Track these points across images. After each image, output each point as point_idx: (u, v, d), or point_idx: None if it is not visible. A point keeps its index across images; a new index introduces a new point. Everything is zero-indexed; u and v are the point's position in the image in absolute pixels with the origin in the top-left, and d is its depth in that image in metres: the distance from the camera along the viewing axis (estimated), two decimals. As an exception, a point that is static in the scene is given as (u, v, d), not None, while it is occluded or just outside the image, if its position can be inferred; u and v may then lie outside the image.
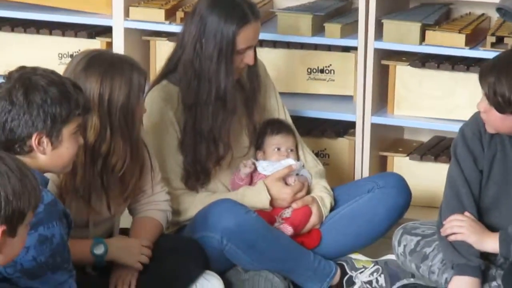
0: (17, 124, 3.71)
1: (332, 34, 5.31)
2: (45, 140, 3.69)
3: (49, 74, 3.86)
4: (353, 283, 4.70)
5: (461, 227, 4.39)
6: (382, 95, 5.39)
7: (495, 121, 4.30)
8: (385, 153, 5.49)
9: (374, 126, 5.34)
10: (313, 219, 4.72)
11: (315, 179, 4.89)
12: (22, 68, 3.87)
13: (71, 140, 3.80)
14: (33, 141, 3.67)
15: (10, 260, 3.27)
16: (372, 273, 4.71)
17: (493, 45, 5.09)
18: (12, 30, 5.75)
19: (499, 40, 5.09)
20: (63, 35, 5.58)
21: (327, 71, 5.44)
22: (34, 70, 3.88)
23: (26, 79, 3.77)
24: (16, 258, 3.49)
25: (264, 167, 4.77)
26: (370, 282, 4.70)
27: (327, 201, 4.80)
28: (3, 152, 3.10)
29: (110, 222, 4.53)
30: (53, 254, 3.63)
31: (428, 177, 5.28)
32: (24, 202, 3.07)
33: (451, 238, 4.41)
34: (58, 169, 3.95)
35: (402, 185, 4.88)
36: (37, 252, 3.57)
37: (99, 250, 4.31)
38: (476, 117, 4.47)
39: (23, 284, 3.67)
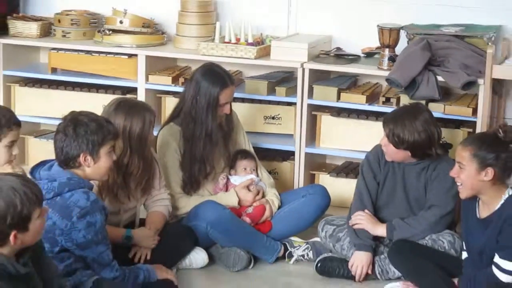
0: (69, 149, 3.83)
1: (280, 93, 5.27)
2: (88, 158, 3.81)
3: (90, 114, 4.00)
4: (292, 256, 4.70)
5: (362, 219, 4.51)
6: (312, 134, 5.29)
7: (391, 153, 4.42)
8: (313, 172, 5.42)
9: (306, 154, 5.29)
10: (267, 214, 4.78)
11: (268, 188, 4.94)
12: (72, 112, 3.99)
13: (106, 157, 3.92)
14: (81, 158, 3.80)
15: (36, 239, 3.27)
16: (304, 250, 4.70)
17: (383, 102, 5.07)
18: (73, 89, 5.60)
19: (387, 100, 5.08)
20: (106, 92, 5.48)
21: (276, 118, 5.39)
22: (80, 112, 4.01)
23: (74, 119, 3.90)
24: (72, 236, 3.78)
25: (235, 179, 4.86)
26: (303, 256, 4.69)
27: (276, 202, 4.87)
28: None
29: (133, 211, 4.58)
30: (96, 233, 3.78)
31: (341, 188, 5.19)
32: (25, 208, 3.06)
33: (355, 227, 4.51)
34: (98, 178, 4.06)
35: (324, 192, 4.92)
36: (86, 232, 3.74)
37: (128, 238, 4.39)
38: (376, 148, 4.58)
39: (77, 253, 3.81)
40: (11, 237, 3.04)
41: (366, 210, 4.52)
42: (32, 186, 3.21)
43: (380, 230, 4.47)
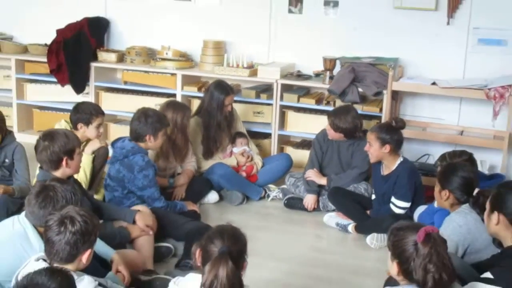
0: (140, 130, 3.93)
1: (263, 98, 5.32)
2: (151, 138, 3.94)
3: (153, 110, 4.13)
4: (269, 196, 4.77)
5: (311, 174, 4.57)
6: (282, 123, 5.32)
7: (332, 134, 4.48)
8: (282, 145, 5.41)
9: (279, 135, 5.34)
10: (254, 170, 4.85)
11: (255, 155, 4.97)
12: (143, 107, 4.11)
13: (161, 138, 4.03)
14: (146, 137, 3.94)
15: (76, 171, 3.43)
16: (277, 192, 4.79)
17: (326, 104, 5.16)
18: (137, 94, 5.71)
19: (328, 102, 5.15)
20: (157, 96, 5.53)
21: (261, 113, 5.44)
22: (147, 108, 4.10)
23: (145, 112, 4.01)
24: (135, 183, 3.87)
25: (235, 150, 4.90)
26: (276, 196, 4.76)
27: (260, 164, 4.91)
28: None
29: (173, 169, 4.59)
30: (150, 181, 3.90)
31: (300, 155, 5.18)
32: (71, 144, 3.29)
33: (307, 179, 4.57)
34: (154, 149, 4.17)
35: (289, 158, 4.98)
36: (143, 180, 3.87)
37: (171, 183, 4.47)
38: (322, 131, 4.60)
39: (138, 193, 3.92)
40: (63, 162, 3.24)
41: (314, 169, 4.59)
42: (74, 135, 3.41)
43: (323, 181, 4.54)
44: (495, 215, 2.66)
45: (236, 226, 2.36)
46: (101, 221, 3.30)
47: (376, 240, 4.06)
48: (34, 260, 2.44)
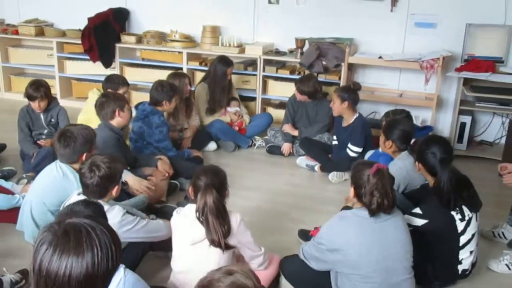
0: (158, 97, 3.90)
1: (250, 70, 5.22)
2: (167, 102, 3.91)
3: (168, 81, 4.08)
4: (255, 145, 4.77)
5: (287, 127, 4.57)
6: (264, 89, 5.24)
7: (299, 97, 4.42)
8: (265, 106, 5.34)
9: (262, 98, 5.26)
10: (243, 126, 4.82)
11: (244, 113, 4.92)
12: (159, 80, 4.05)
13: (174, 102, 3.95)
14: (163, 102, 3.87)
15: (127, 122, 3.51)
16: (261, 142, 4.78)
17: (297, 74, 5.01)
18: (152, 68, 5.53)
19: (299, 73, 5.01)
20: (168, 70, 5.10)
21: (248, 81, 5.35)
22: (162, 80, 4.07)
23: (161, 82, 3.96)
24: (153, 137, 3.82)
25: (229, 110, 4.83)
26: (260, 145, 4.76)
27: (247, 120, 4.88)
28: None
29: (181, 125, 4.50)
30: (164, 135, 3.88)
31: (278, 113, 5.09)
32: (122, 100, 3.42)
33: (284, 131, 4.57)
34: (168, 111, 4.10)
35: (270, 116, 4.97)
36: (159, 135, 3.85)
37: (180, 136, 4.44)
38: (293, 94, 4.51)
39: (155, 144, 3.87)
40: (117, 113, 3.31)
41: (289, 124, 4.58)
42: (123, 95, 3.51)
43: (295, 132, 4.53)
44: (417, 164, 2.73)
45: (217, 165, 2.41)
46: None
47: (336, 177, 4.10)
48: (76, 194, 2.47)
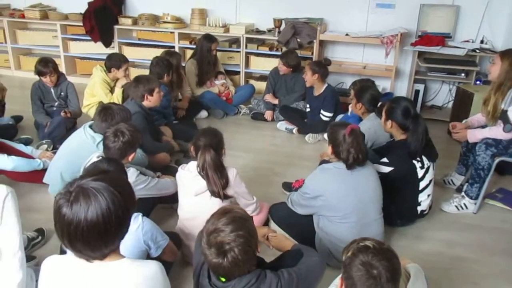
0: (157, 71, 3.87)
1: (233, 47, 5.11)
2: (166, 75, 3.87)
3: (165, 58, 4.00)
4: (240, 112, 4.70)
5: (268, 97, 4.50)
6: (247, 63, 5.13)
7: (284, 70, 4.34)
8: (247, 79, 5.22)
9: (245, 72, 5.14)
10: (230, 96, 4.75)
11: (229, 85, 4.84)
12: (156, 56, 3.98)
13: (170, 76, 3.90)
14: (164, 75, 3.83)
15: (156, 104, 3.35)
16: (245, 109, 4.71)
17: (276, 50, 5.00)
18: (147, 47, 5.34)
19: (277, 49, 4.98)
20: (161, 48, 5.06)
21: (232, 58, 5.20)
22: (159, 56, 3.95)
23: (159, 59, 3.88)
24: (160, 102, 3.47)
25: (217, 82, 4.75)
26: (245, 112, 4.69)
27: (233, 91, 4.81)
28: None
29: (177, 96, 4.39)
30: (169, 101, 3.91)
31: (260, 85, 5.02)
32: (153, 84, 3.26)
33: (266, 100, 4.51)
34: (166, 82, 3.97)
35: (253, 87, 4.90)
36: (166, 101, 3.81)
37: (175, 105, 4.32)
38: (275, 68, 4.47)
39: (161, 110, 3.77)
40: (146, 96, 3.22)
41: (270, 93, 4.52)
42: (154, 79, 3.35)
43: (276, 101, 4.48)
44: (389, 122, 2.69)
45: (214, 127, 2.37)
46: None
47: (312, 138, 4.12)
48: (95, 157, 2.45)
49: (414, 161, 2.58)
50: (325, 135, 4.03)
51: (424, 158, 2.60)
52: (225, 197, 2.23)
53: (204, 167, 2.16)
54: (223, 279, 1.45)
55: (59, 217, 1.17)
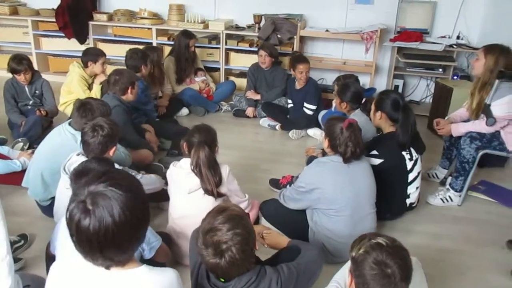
0: (134, 64, 3.82)
1: (213, 43, 5.06)
2: (143, 67, 3.82)
3: (140, 49, 3.93)
4: (222, 109, 4.66)
5: (250, 93, 4.48)
6: (227, 60, 5.08)
7: (268, 62, 4.32)
8: (227, 76, 5.17)
9: (225, 69, 5.10)
10: (211, 93, 4.69)
11: (210, 82, 4.77)
12: (131, 48, 3.91)
13: (149, 65, 3.86)
14: (141, 67, 3.78)
15: (134, 99, 3.28)
16: (227, 107, 4.66)
17: (255, 46, 4.91)
18: (123, 43, 5.18)
19: (257, 46, 4.83)
20: (137, 45, 4.77)
21: (212, 54, 5.14)
22: (134, 49, 3.90)
23: (134, 51, 3.82)
24: (140, 99, 3.54)
25: (197, 79, 4.70)
26: (227, 109, 4.65)
27: (214, 88, 4.75)
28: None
29: (157, 93, 4.33)
30: (149, 97, 3.83)
31: (241, 82, 4.98)
32: (133, 78, 3.21)
33: (248, 97, 4.49)
34: (145, 74, 3.90)
35: (233, 83, 4.84)
36: (145, 97, 3.76)
37: (155, 105, 4.20)
38: (254, 64, 4.47)
39: (141, 107, 3.73)
40: (129, 90, 3.14)
41: (251, 90, 4.51)
42: (134, 73, 3.32)
43: (258, 97, 4.45)
44: (378, 113, 2.70)
45: (208, 124, 2.32)
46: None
47: (296, 134, 4.10)
48: (75, 155, 2.36)
49: (403, 153, 2.59)
50: (309, 131, 4.11)
51: (412, 150, 2.61)
52: (219, 195, 2.20)
53: (198, 164, 2.13)
54: (223, 279, 1.44)
55: (81, 231, 1.10)
